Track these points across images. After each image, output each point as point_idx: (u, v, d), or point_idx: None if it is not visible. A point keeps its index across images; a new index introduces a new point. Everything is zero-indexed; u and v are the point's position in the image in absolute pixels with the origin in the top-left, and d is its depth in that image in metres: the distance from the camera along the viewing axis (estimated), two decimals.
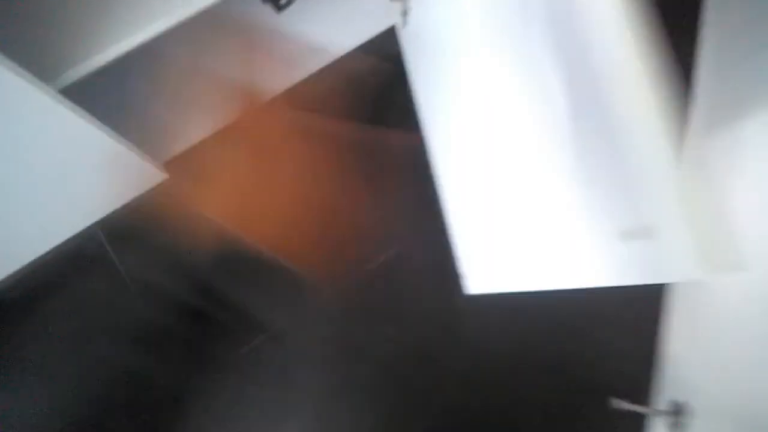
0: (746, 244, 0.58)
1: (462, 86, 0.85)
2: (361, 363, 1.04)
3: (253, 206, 1.06)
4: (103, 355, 1.04)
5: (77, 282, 1.04)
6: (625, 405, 0.91)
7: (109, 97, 0.84)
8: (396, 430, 1.03)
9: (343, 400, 1.04)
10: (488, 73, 0.77)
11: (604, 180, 0.62)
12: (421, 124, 0.99)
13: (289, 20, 1.01)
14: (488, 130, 0.81)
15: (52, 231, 1.00)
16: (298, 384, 1.04)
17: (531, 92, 0.68)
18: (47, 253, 1.03)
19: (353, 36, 1.10)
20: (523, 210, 0.81)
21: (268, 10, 0.95)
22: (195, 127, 1.06)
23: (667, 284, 0.95)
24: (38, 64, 0.73)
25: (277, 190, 1.07)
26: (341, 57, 1.10)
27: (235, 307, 1.05)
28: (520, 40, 0.67)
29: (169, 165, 1.07)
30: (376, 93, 1.09)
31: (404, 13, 0.93)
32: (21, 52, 0.69)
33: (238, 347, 1.04)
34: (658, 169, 0.54)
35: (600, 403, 0.99)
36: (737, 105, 0.58)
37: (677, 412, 0.86)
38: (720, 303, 0.77)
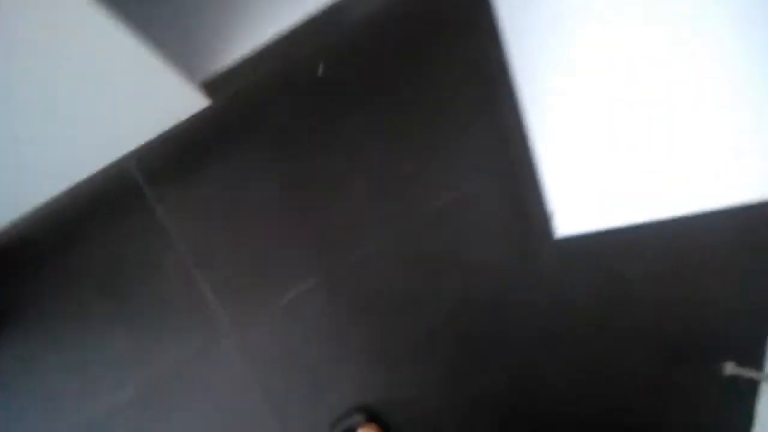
0: None
1: None
2: (418, 317, 0.93)
3: None
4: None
5: (108, 225, 0.94)
6: (738, 370, 0.78)
7: None
8: (457, 392, 0.91)
9: (398, 355, 0.93)
10: None
11: None
12: (504, 42, 0.85)
13: None
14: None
15: (77, 161, 0.89)
16: (348, 336, 0.93)
17: None
18: (75, 189, 0.93)
19: None
20: (658, 126, 0.68)
21: None
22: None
23: None
24: None
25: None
26: None
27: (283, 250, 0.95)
28: None
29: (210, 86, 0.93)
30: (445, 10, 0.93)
31: None
32: None
33: (282, 294, 0.94)
34: None
35: (700, 366, 0.86)
36: None
37: None
38: None
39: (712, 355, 0.85)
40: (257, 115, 0.95)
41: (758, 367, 0.81)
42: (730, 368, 0.79)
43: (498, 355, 0.91)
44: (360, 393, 0.93)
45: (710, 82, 0.64)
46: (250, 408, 0.94)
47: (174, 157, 0.95)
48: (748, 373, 0.78)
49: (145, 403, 0.94)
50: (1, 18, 0.60)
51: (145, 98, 0.87)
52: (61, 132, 0.83)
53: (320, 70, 0.94)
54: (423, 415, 0.92)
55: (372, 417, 0.92)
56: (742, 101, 0.61)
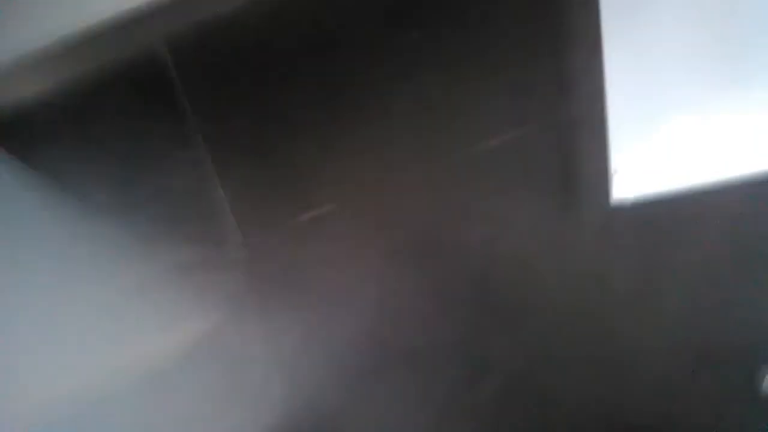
0: None
1: None
2: (438, 264, 0.86)
3: None
4: None
5: (128, 103, 0.87)
6: None
7: None
8: (469, 351, 0.84)
9: (409, 300, 0.86)
10: None
11: None
12: None
13: None
14: None
15: None
16: (360, 271, 0.87)
17: None
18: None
19: None
20: None
21: None
22: None
23: None
24: None
25: None
26: None
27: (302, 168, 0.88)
28: None
29: None
30: None
31: None
32: None
33: (299, 214, 0.87)
34: None
35: (739, 375, 0.78)
36: None
37: None
38: None
39: (755, 364, 0.77)
40: (302, 20, 0.87)
41: None
42: None
43: (518, 323, 0.84)
44: (362, 333, 0.87)
45: None
46: (243, 327, 0.88)
47: (210, 49, 0.87)
48: None
49: (129, 304, 0.88)
50: None
51: None
52: None
53: None
54: (427, 366, 0.85)
55: None
56: None
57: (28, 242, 0.87)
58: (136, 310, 0.87)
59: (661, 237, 0.78)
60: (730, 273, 0.77)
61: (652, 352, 0.80)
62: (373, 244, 0.86)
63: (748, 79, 0.68)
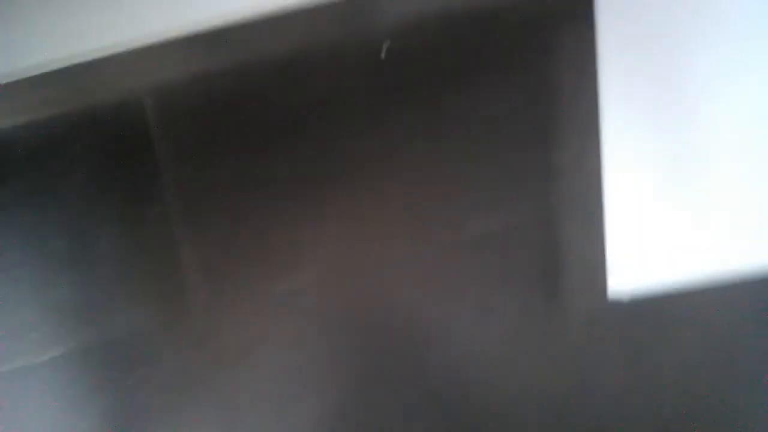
0: None
1: None
2: (415, 357, 0.79)
3: None
4: None
5: (101, 149, 0.82)
6: None
7: None
8: None
9: (387, 393, 0.78)
10: None
11: None
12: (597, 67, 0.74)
13: None
14: None
15: None
16: (331, 352, 0.79)
17: None
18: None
19: None
20: None
21: None
22: None
23: None
24: None
25: None
26: None
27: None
28: None
29: None
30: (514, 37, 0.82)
31: None
32: None
33: (271, 284, 0.80)
34: None
35: None
36: None
37: None
38: None
39: None
40: (295, 84, 0.84)
41: None
42: None
43: (497, 426, 0.77)
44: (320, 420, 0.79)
45: None
46: (197, 409, 0.80)
47: (194, 105, 0.83)
48: None
49: (74, 366, 0.80)
50: None
51: None
52: None
53: (383, 52, 0.83)
54: None
55: None
56: None
57: None
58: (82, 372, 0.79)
59: (656, 335, 0.73)
60: (727, 373, 0.72)
61: None
62: (348, 326, 0.79)
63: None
